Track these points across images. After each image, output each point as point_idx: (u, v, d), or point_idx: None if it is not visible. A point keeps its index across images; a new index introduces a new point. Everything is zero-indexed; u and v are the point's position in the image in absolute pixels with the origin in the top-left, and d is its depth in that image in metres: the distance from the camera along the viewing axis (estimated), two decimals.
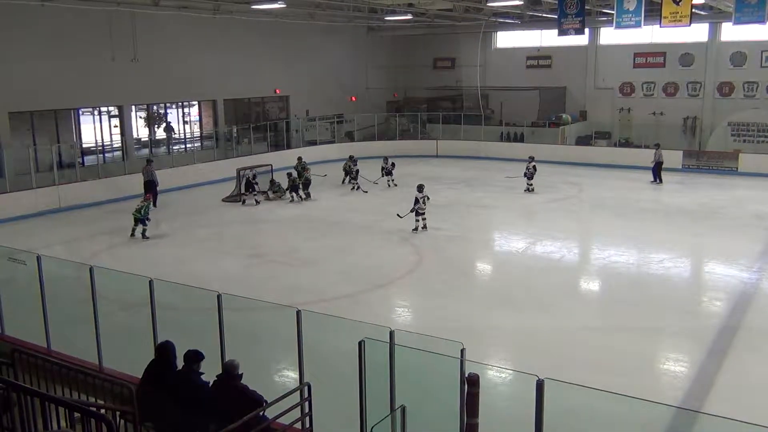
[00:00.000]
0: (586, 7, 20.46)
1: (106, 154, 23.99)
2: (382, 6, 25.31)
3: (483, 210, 20.21)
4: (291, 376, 8.49)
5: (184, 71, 24.96)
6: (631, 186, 23.11)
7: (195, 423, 6.09)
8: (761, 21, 17.47)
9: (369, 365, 5.92)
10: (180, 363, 6.47)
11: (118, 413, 6.32)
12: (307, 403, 6.38)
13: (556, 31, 20.47)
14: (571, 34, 19.97)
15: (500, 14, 28.53)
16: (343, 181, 23.41)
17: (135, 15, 22.51)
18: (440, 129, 31.83)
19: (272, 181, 21.62)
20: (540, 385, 4.82)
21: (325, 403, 6.76)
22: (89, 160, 23.30)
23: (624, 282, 13.40)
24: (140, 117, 25.68)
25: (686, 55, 28.95)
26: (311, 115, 30.71)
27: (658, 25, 18.55)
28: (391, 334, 5.83)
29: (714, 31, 28.03)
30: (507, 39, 33.49)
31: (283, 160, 24.09)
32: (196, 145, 27.23)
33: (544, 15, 25.32)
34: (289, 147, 28.79)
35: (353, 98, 33.02)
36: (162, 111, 26.80)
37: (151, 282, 7.61)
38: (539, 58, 32.55)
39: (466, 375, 5.48)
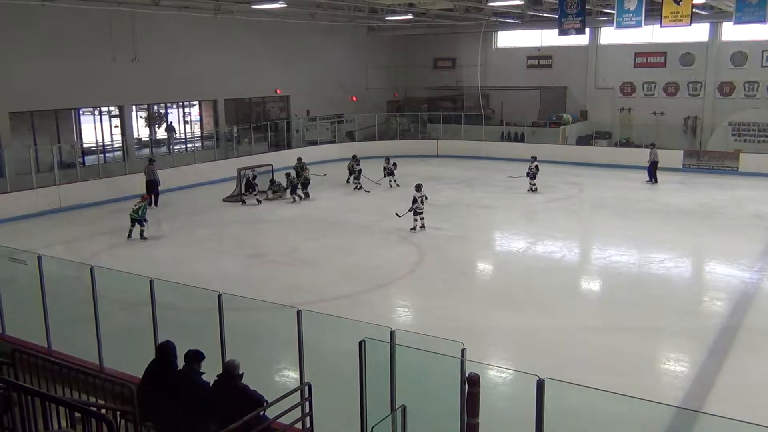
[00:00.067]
0: (587, 7, 20.46)
1: (107, 154, 24.00)
2: (383, 6, 25.30)
3: (483, 210, 20.21)
4: (291, 376, 8.49)
5: (185, 71, 24.97)
6: (632, 186, 23.10)
7: (195, 423, 6.09)
8: (762, 21, 17.46)
9: (369, 365, 5.92)
10: (180, 363, 6.47)
11: (118, 413, 6.32)
12: (307, 403, 6.38)
13: (556, 31, 20.48)
14: (571, 33, 19.97)
15: (501, 14, 28.52)
16: (347, 180, 23.42)
17: (135, 15, 22.52)
18: (441, 129, 31.82)
19: (272, 181, 21.63)
20: (540, 385, 4.82)
21: (326, 403, 6.75)
22: (90, 160, 23.31)
23: (624, 282, 13.40)
24: (141, 117, 25.68)
25: (687, 54, 28.95)
26: (312, 115, 30.72)
27: (659, 25, 18.54)
28: (392, 334, 5.83)
29: (715, 31, 28.02)
30: (507, 39, 33.48)
31: (284, 160, 24.10)
32: (196, 145, 27.24)
33: (545, 15, 25.32)
34: (289, 147, 28.80)
35: (354, 98, 33.02)
36: (162, 111, 26.80)
37: (151, 282, 7.61)
38: (540, 57, 32.54)
39: (467, 375, 5.47)
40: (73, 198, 20.09)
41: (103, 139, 23.85)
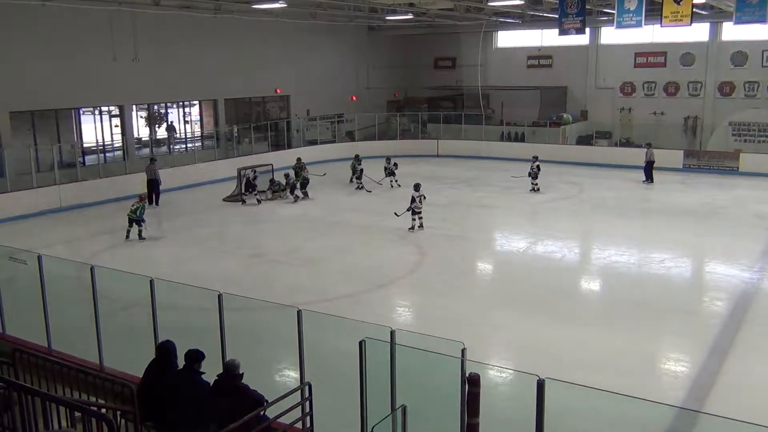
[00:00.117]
0: (587, 7, 20.45)
1: (107, 154, 23.99)
2: (383, 6, 25.30)
3: (484, 210, 20.21)
4: (292, 375, 8.49)
5: (185, 71, 24.97)
6: (632, 186, 23.11)
7: (195, 422, 6.08)
8: (762, 21, 17.45)
9: (370, 365, 5.92)
10: (181, 362, 6.46)
11: (118, 413, 6.32)
12: (307, 403, 6.37)
13: (556, 31, 20.45)
14: (571, 33, 19.95)
15: (501, 14, 28.52)
16: (350, 180, 23.41)
17: (136, 15, 22.53)
18: (441, 129, 31.82)
19: (272, 181, 21.62)
20: (541, 385, 4.82)
21: (326, 403, 6.76)
22: (90, 159, 23.30)
23: (625, 282, 13.40)
24: (141, 117, 25.68)
25: (687, 54, 28.94)
26: (312, 114, 30.72)
27: (659, 25, 18.52)
28: (392, 333, 5.83)
29: (715, 31, 28.02)
30: (508, 39, 33.48)
31: (284, 159, 24.10)
32: (196, 144, 27.24)
33: (545, 15, 25.31)
34: (289, 147, 28.80)
35: (354, 98, 33.02)
36: (162, 111, 26.80)
37: (151, 281, 7.62)
38: (540, 57, 32.54)
39: (467, 375, 5.47)
40: (74, 198, 20.09)
41: (103, 139, 23.85)
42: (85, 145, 23.31)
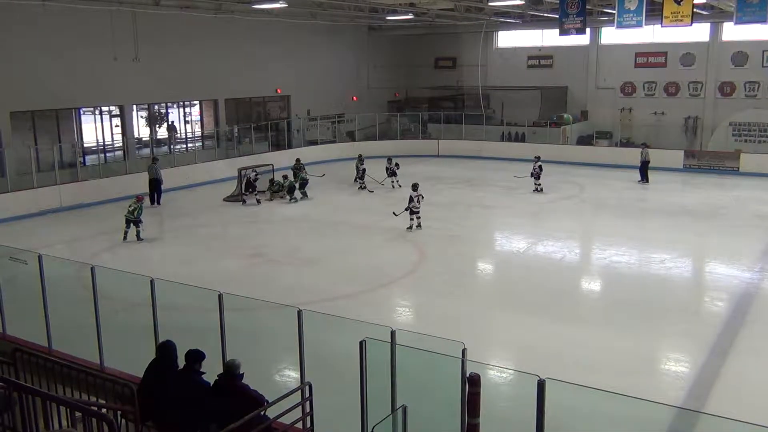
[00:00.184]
0: (588, 7, 20.45)
1: (107, 154, 24.01)
2: (384, 6, 25.29)
3: (484, 210, 20.21)
4: (292, 375, 8.49)
5: (186, 71, 24.97)
6: (633, 186, 23.11)
7: (196, 422, 6.09)
8: (762, 21, 17.43)
9: (370, 365, 5.92)
10: (181, 362, 6.47)
11: (119, 412, 6.32)
12: (308, 403, 6.37)
13: (557, 31, 20.43)
14: (572, 33, 19.93)
15: (501, 14, 28.51)
16: (354, 179, 23.39)
17: (136, 15, 22.53)
18: (441, 129, 31.82)
19: (271, 181, 21.62)
20: (541, 385, 4.82)
21: (326, 403, 6.76)
22: (90, 159, 23.33)
23: (625, 282, 13.40)
24: (141, 117, 25.69)
25: (687, 54, 28.94)
26: (312, 114, 30.72)
27: (660, 25, 18.51)
28: (393, 333, 5.83)
29: (715, 31, 28.02)
30: (508, 39, 33.48)
31: (285, 159, 24.09)
32: (197, 144, 27.24)
33: (546, 15, 25.30)
34: (290, 147, 28.81)
35: (354, 98, 33.02)
36: (163, 111, 26.80)
37: (152, 281, 7.62)
38: (540, 57, 32.55)
39: (467, 375, 5.47)
40: (74, 198, 20.10)
41: (103, 139, 23.86)
42: (85, 145, 23.32)
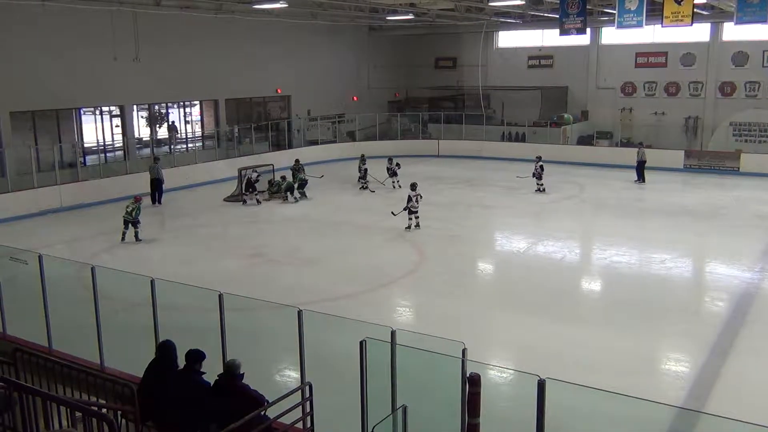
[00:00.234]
0: (588, 7, 20.44)
1: (108, 154, 24.01)
2: (384, 6, 25.30)
3: (484, 210, 20.21)
4: (292, 375, 8.49)
5: (186, 71, 24.98)
6: (633, 186, 23.11)
7: (196, 422, 6.09)
8: (763, 21, 17.42)
9: (370, 365, 5.92)
10: (181, 362, 6.47)
11: (119, 412, 6.32)
12: (308, 403, 6.37)
13: (557, 31, 20.42)
14: (572, 33, 19.92)
15: (502, 14, 28.51)
16: (358, 179, 23.37)
17: (136, 15, 22.53)
18: (441, 129, 31.81)
19: (271, 181, 21.62)
20: (541, 385, 4.82)
21: (327, 403, 6.76)
22: (90, 159, 23.33)
23: (625, 282, 13.40)
24: (142, 117, 25.69)
25: (688, 54, 28.93)
26: (313, 114, 30.72)
27: (660, 25, 18.50)
28: (393, 333, 5.83)
29: (716, 31, 28.01)
30: (508, 39, 33.47)
31: (285, 159, 24.09)
32: (197, 144, 27.25)
33: (546, 15, 25.29)
34: (290, 147, 28.81)
35: (355, 98, 33.02)
36: (163, 111, 26.81)
37: (152, 281, 7.62)
38: (541, 57, 32.54)
39: (468, 375, 5.47)
40: (74, 198, 20.10)
41: (104, 139, 23.87)
42: (85, 145, 23.32)
